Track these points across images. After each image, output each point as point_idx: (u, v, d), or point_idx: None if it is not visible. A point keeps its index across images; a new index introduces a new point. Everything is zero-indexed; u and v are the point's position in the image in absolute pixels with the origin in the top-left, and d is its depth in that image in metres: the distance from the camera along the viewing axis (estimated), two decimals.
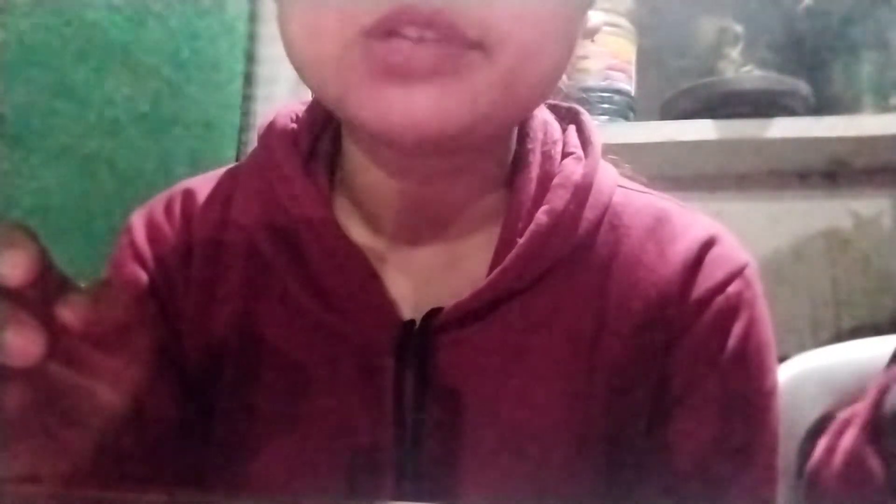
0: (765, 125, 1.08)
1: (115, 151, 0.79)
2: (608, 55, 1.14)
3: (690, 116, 1.11)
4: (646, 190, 0.49)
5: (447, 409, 0.42)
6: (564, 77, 0.43)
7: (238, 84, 1.01)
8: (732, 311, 0.44)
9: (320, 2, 0.34)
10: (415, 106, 0.34)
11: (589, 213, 0.44)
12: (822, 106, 1.12)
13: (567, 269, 0.44)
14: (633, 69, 1.17)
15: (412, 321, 0.43)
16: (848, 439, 0.49)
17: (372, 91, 0.34)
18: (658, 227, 0.46)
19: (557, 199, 0.44)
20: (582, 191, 0.44)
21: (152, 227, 0.48)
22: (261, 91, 1.04)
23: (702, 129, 1.10)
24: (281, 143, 0.46)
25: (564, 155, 0.46)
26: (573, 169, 0.45)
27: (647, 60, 1.21)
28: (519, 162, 0.45)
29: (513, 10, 0.33)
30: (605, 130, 1.11)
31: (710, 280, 0.44)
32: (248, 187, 0.47)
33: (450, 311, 0.42)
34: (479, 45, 0.34)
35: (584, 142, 0.47)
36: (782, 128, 1.08)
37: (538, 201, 0.44)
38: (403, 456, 0.42)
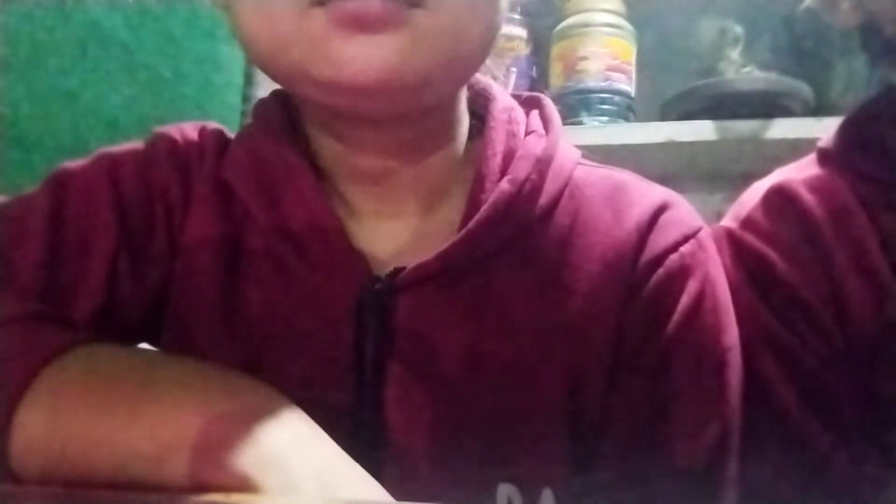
0: (765, 126, 1.08)
1: None
2: (608, 56, 1.14)
3: (690, 117, 1.11)
4: (606, 166, 0.52)
5: (406, 367, 0.44)
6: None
7: (238, 84, 1.01)
8: (685, 269, 0.46)
9: None
10: (375, 53, 0.38)
11: (550, 185, 0.47)
12: (822, 107, 1.13)
13: (529, 239, 0.46)
14: (633, 70, 1.17)
15: (377, 277, 0.45)
16: None
17: (335, 45, 0.38)
18: (615, 195, 0.48)
19: (520, 169, 0.46)
20: (543, 163, 0.47)
21: (178, 155, 0.50)
22: (261, 91, 1.04)
23: (702, 130, 1.10)
24: (275, 112, 0.49)
25: (527, 133, 0.49)
26: (535, 144, 0.48)
27: (647, 61, 1.21)
28: (483, 140, 0.48)
29: None
30: (605, 131, 1.13)
31: (663, 241, 0.46)
32: (241, 147, 0.50)
33: (412, 270, 0.44)
34: (419, 3, 0.38)
35: (546, 122, 0.50)
36: (782, 129, 1.08)
37: (502, 173, 0.46)
38: (361, 409, 0.43)
